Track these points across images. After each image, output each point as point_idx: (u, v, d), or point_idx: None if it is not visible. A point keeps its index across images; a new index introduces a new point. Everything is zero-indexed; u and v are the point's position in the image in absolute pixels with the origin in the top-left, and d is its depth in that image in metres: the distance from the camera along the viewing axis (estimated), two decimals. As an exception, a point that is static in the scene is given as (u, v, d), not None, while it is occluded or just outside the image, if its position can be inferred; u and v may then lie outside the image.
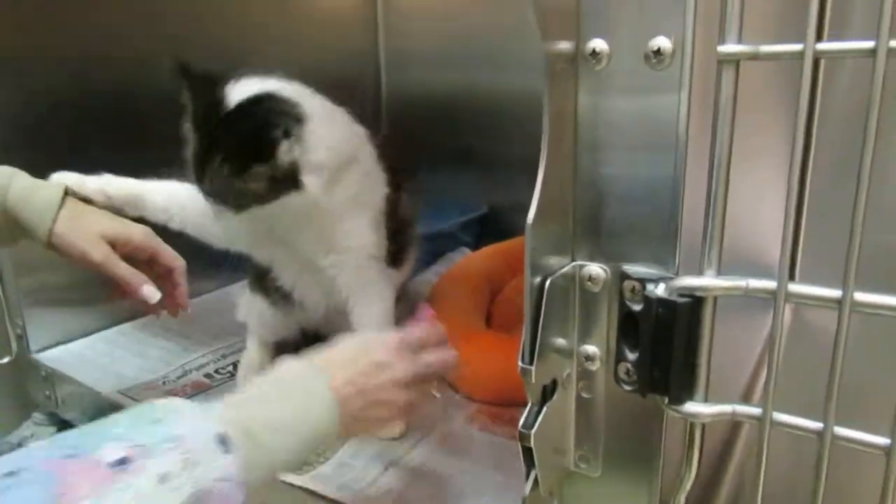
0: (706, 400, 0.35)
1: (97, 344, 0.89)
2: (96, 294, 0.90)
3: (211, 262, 1.08)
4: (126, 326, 0.93)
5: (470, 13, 1.21)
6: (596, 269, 0.37)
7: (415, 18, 1.31)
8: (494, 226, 1.24)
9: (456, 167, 1.31)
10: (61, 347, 0.88)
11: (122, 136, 0.85)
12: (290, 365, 0.49)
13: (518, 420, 0.69)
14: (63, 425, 0.85)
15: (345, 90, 1.28)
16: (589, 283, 0.37)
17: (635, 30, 0.32)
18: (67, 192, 0.63)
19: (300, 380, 0.48)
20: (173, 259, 0.68)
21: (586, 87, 0.34)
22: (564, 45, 0.33)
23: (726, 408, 0.34)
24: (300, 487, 0.61)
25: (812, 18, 0.26)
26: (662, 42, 0.31)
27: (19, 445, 0.81)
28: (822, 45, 0.27)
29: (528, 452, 0.37)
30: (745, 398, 0.40)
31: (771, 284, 0.31)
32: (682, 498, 0.38)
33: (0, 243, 0.66)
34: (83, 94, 0.85)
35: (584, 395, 0.39)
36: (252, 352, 0.81)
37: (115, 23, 0.87)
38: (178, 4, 0.93)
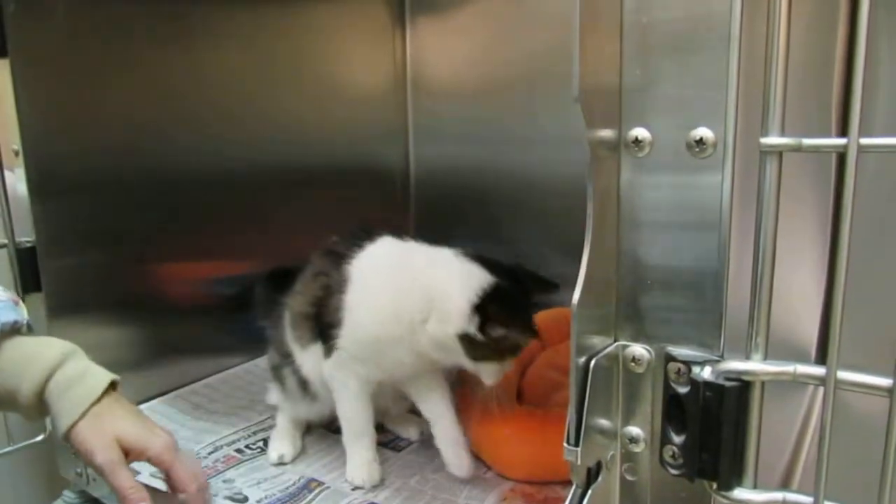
0: (755, 486, 0.34)
1: (127, 418, 0.89)
2: (126, 369, 0.92)
3: (238, 336, 1.11)
4: (156, 403, 0.94)
5: (497, 91, 1.26)
6: (640, 349, 0.37)
7: (442, 98, 1.36)
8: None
9: (483, 243, 1.32)
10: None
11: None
12: None
13: (551, 499, 0.68)
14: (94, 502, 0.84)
15: (376, 171, 1.32)
16: (633, 363, 0.37)
17: (677, 120, 0.33)
18: (114, 386, 0.63)
19: None
20: (186, 482, 0.62)
21: (629, 172, 0.35)
22: (607, 133, 0.35)
23: (777, 495, 0.34)
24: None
25: (855, 115, 0.28)
26: (704, 132, 0.33)
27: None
28: (866, 140, 0.28)
29: (572, 537, 0.37)
30: (785, 483, 0.39)
31: (819, 371, 0.32)
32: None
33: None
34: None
35: (629, 477, 0.39)
36: (282, 428, 0.81)
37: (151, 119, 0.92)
38: (211, 99, 0.98)
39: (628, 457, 0.38)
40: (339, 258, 0.71)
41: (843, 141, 0.29)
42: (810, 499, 0.33)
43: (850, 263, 0.31)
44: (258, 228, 1.07)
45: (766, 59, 0.30)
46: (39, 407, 0.60)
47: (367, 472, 0.72)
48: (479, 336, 0.62)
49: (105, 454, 0.57)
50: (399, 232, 0.82)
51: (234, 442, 0.82)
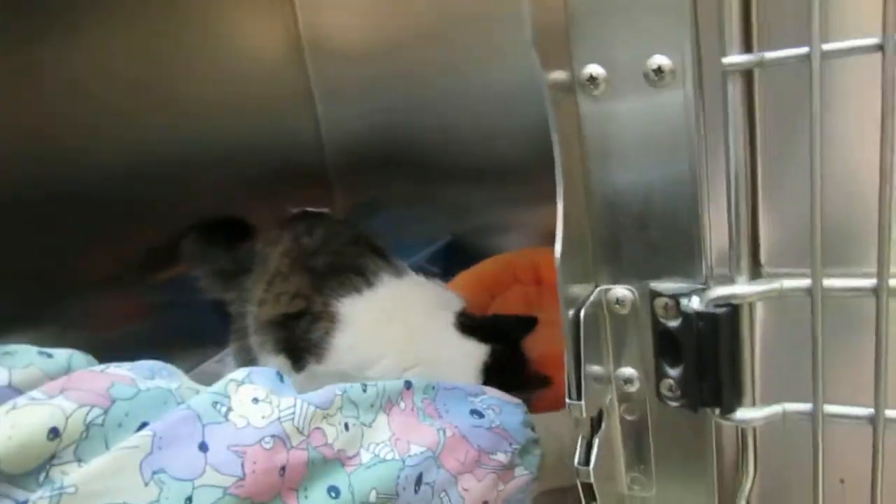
0: (755, 404, 0.35)
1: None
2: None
3: (185, 341, 1.05)
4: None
5: (406, 45, 1.22)
6: (622, 290, 0.36)
7: (344, 60, 1.31)
8: (460, 252, 1.24)
9: (413, 203, 1.30)
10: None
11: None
12: None
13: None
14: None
15: (286, 145, 1.26)
16: (617, 306, 0.36)
17: (631, 51, 0.32)
18: None
19: None
20: None
21: (588, 112, 0.34)
22: (560, 75, 0.33)
23: (777, 409, 0.34)
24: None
25: (815, 21, 0.27)
26: (661, 60, 0.31)
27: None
28: (828, 46, 0.28)
29: (587, 488, 0.36)
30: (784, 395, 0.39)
31: (805, 283, 0.32)
32: (741, 502, 0.37)
33: None
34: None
35: (628, 417, 0.39)
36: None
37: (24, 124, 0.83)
38: (92, 92, 0.89)
39: (624, 398, 0.38)
40: (315, 275, 0.67)
41: (804, 50, 0.28)
42: (809, 406, 0.33)
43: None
44: (171, 223, 1.00)
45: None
46: None
47: None
48: None
49: None
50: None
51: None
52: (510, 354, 0.64)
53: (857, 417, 0.33)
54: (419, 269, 1.17)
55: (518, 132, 1.17)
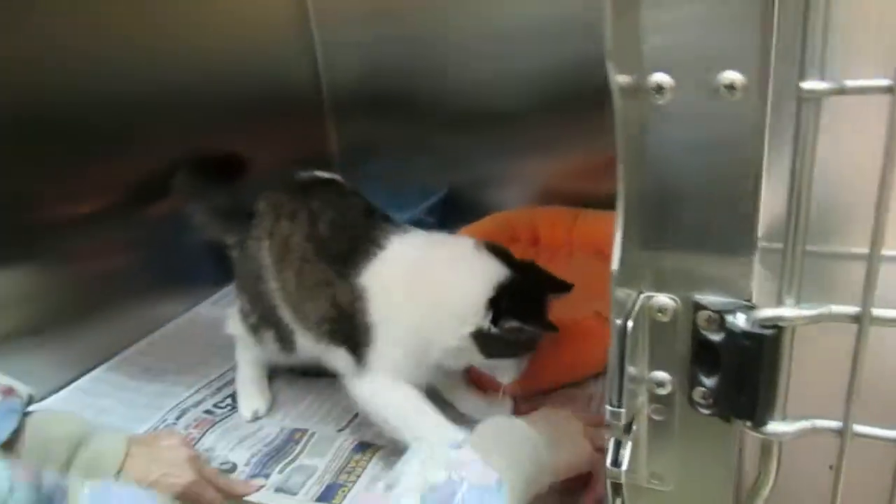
0: (784, 419, 0.36)
1: (75, 396, 0.83)
2: (57, 338, 0.85)
3: (178, 282, 1.04)
4: (99, 372, 0.88)
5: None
6: (665, 299, 0.36)
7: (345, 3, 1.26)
8: (456, 204, 1.23)
9: (409, 151, 1.29)
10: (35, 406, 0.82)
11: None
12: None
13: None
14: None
15: (285, 91, 1.22)
16: (658, 313, 0.36)
17: (702, 63, 0.31)
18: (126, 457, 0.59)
19: None
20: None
21: (651, 119, 0.33)
22: (627, 80, 0.32)
23: (806, 424, 0.35)
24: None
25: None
26: (733, 76, 0.30)
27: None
28: (914, 81, 0.27)
29: (615, 487, 0.37)
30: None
31: (853, 310, 0.32)
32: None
33: None
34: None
35: (655, 417, 0.39)
36: (247, 380, 0.78)
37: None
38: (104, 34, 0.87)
39: (654, 399, 0.39)
40: (335, 259, 0.66)
41: (885, 82, 0.28)
42: (839, 423, 0.34)
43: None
44: (164, 155, 0.95)
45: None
46: None
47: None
48: (494, 330, 0.60)
49: None
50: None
51: (199, 403, 0.79)
52: (528, 288, 0.64)
53: (884, 439, 0.34)
54: (418, 222, 1.17)
55: (514, 80, 1.15)
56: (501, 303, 0.61)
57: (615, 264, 0.34)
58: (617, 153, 0.33)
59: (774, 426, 0.35)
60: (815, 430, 0.35)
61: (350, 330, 0.64)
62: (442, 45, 1.19)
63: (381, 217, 0.70)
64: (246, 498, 0.63)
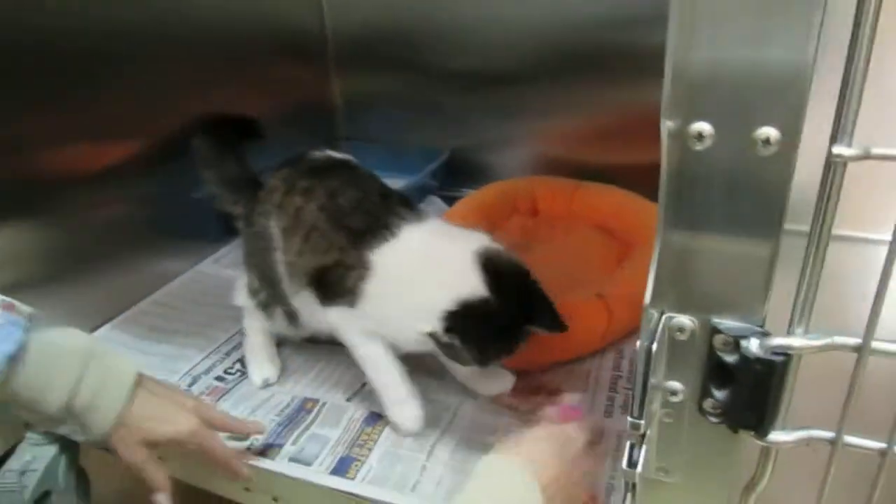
0: (784, 428, 0.40)
1: (84, 352, 0.85)
2: (58, 295, 0.86)
3: (179, 239, 1.05)
4: (106, 330, 0.90)
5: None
6: (685, 320, 0.40)
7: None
8: (458, 167, 1.25)
9: (412, 109, 1.29)
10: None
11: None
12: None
13: (537, 387, 0.74)
14: (64, 442, 0.82)
15: (290, 35, 1.21)
16: (678, 333, 0.40)
17: (742, 118, 0.33)
18: (137, 383, 0.60)
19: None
20: (225, 458, 0.64)
21: (689, 161, 0.36)
22: (672, 125, 0.35)
23: (803, 433, 0.39)
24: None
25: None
26: (772, 132, 0.33)
27: (23, 474, 0.78)
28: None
29: (630, 485, 0.42)
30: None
31: (855, 341, 0.36)
32: (752, 498, 0.44)
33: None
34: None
35: (666, 420, 0.43)
36: (257, 347, 0.81)
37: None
38: None
39: (666, 404, 0.43)
40: (351, 232, 0.68)
41: (912, 149, 0.31)
42: (832, 434, 0.39)
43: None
44: (169, 104, 0.97)
45: (847, 66, 0.31)
46: (65, 418, 0.57)
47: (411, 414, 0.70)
48: (445, 339, 0.62)
49: (132, 457, 0.59)
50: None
51: (210, 369, 0.81)
52: (497, 314, 0.64)
53: (871, 449, 0.38)
54: (422, 187, 1.19)
55: (519, 43, 1.16)
56: (456, 319, 0.62)
57: (648, 298, 0.37)
58: (659, 191, 0.36)
59: (775, 435, 0.39)
60: (810, 439, 0.40)
61: (338, 280, 0.67)
62: (449, 3, 1.18)
63: (398, 201, 0.72)
64: (264, 467, 0.67)
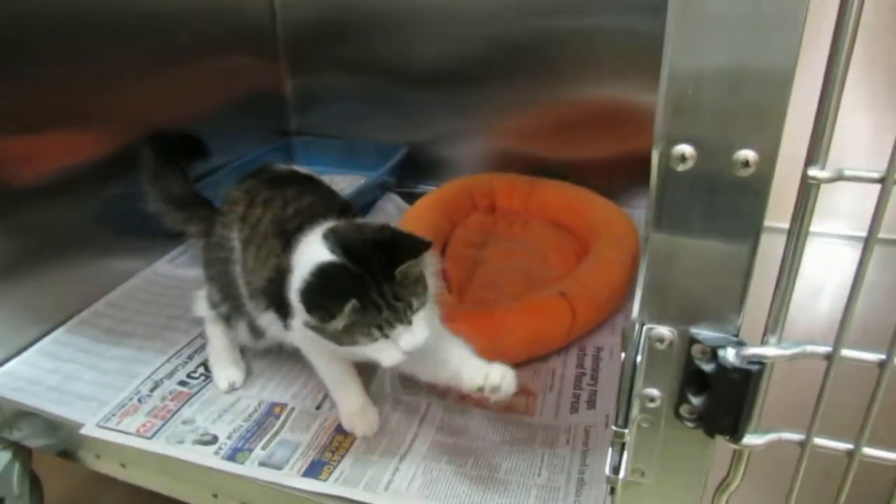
0: (756, 431, 0.42)
1: (38, 360, 0.82)
2: (12, 297, 0.83)
3: (132, 237, 1.01)
4: (60, 333, 0.87)
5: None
6: (664, 331, 0.41)
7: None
8: (412, 162, 1.25)
9: (366, 103, 1.28)
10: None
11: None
12: None
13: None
14: (17, 448, 0.80)
15: (238, 18, 1.16)
16: (657, 343, 0.41)
17: (723, 141, 0.35)
18: None
19: None
20: None
21: (672, 180, 0.37)
22: (661, 148, 0.36)
23: (775, 436, 0.42)
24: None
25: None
26: (750, 155, 0.34)
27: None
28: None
29: (613, 490, 0.43)
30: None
31: (826, 349, 0.38)
32: (724, 498, 0.46)
33: None
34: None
35: (643, 425, 0.45)
36: (221, 351, 0.79)
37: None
38: None
39: (644, 410, 0.44)
40: (286, 236, 0.65)
41: (878, 173, 0.32)
42: (802, 436, 0.41)
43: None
44: (112, 98, 0.94)
45: (822, 93, 0.32)
46: None
47: (364, 419, 0.70)
48: (317, 322, 0.56)
49: None
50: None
51: (173, 373, 0.79)
52: (344, 275, 0.57)
53: (838, 450, 0.40)
54: (381, 184, 1.18)
55: (470, 35, 1.16)
56: (309, 293, 0.57)
57: (635, 311, 0.38)
58: (646, 210, 0.37)
59: (749, 438, 0.41)
60: (781, 442, 0.42)
61: (282, 300, 0.63)
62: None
63: (343, 209, 0.70)
64: (233, 472, 0.66)
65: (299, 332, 0.64)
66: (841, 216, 0.94)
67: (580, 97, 1.13)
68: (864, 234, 0.35)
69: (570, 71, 1.13)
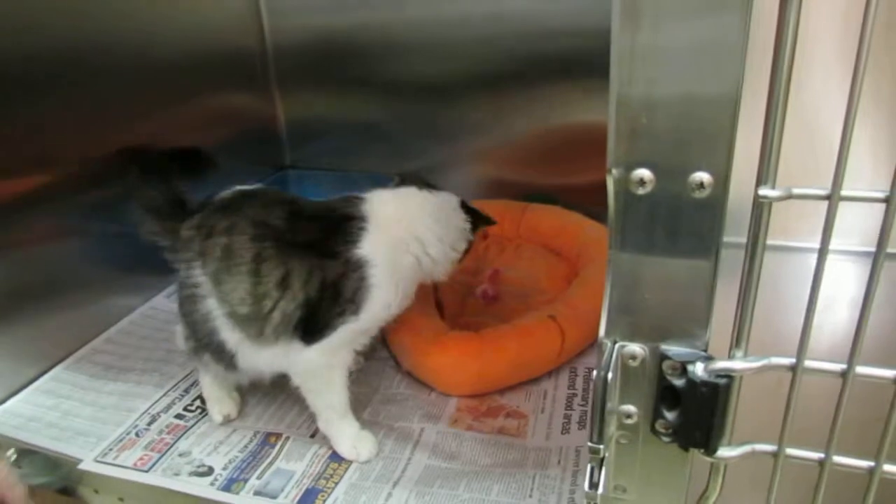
0: (730, 444, 0.43)
1: (36, 398, 0.83)
2: (10, 337, 0.84)
3: (133, 273, 1.03)
4: (58, 371, 0.88)
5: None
6: (636, 348, 0.42)
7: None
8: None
9: (354, 137, 1.31)
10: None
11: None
12: None
13: (493, 408, 0.76)
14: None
15: (228, 51, 1.19)
16: (630, 360, 0.43)
17: (678, 165, 0.37)
18: None
19: None
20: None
21: (633, 204, 0.38)
22: (619, 172, 0.38)
23: (748, 448, 0.43)
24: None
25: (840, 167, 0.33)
26: (704, 176, 0.36)
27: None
28: (847, 192, 0.33)
29: (591, 505, 0.44)
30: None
31: (790, 361, 0.39)
32: (705, 511, 0.47)
33: None
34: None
35: (622, 441, 0.46)
36: (212, 386, 0.79)
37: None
38: None
39: (622, 426, 0.45)
40: (307, 248, 0.68)
41: (823, 192, 0.34)
42: (774, 447, 0.42)
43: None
44: (100, 134, 0.95)
45: (767, 114, 0.34)
46: None
47: (367, 443, 0.73)
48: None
49: None
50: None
51: (169, 407, 0.80)
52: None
53: (811, 460, 0.41)
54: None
55: (457, 64, 1.19)
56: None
57: (602, 331, 0.39)
58: (608, 235, 0.39)
59: (722, 451, 0.42)
60: (754, 453, 0.43)
61: (329, 308, 0.68)
62: (391, 26, 1.21)
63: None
64: (228, 502, 0.67)
65: (321, 354, 0.68)
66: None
67: (569, 122, 1.16)
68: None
69: (558, 97, 1.16)
